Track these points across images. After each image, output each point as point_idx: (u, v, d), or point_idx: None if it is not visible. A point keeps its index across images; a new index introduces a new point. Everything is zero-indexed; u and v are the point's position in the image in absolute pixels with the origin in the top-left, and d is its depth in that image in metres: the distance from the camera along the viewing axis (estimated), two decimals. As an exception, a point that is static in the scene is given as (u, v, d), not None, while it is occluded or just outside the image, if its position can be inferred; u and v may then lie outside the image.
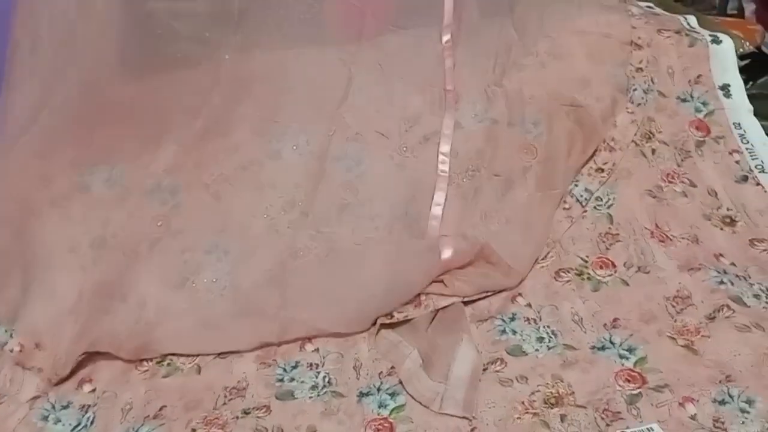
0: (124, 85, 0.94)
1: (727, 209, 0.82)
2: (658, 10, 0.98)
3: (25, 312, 0.76)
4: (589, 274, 0.78)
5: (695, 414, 0.60)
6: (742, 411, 0.59)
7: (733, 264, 0.76)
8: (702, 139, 0.87)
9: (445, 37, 0.87)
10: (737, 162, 0.85)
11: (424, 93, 0.89)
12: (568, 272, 0.78)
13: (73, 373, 0.73)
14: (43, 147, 0.88)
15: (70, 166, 0.85)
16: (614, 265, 0.78)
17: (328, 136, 0.85)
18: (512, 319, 0.73)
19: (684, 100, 0.88)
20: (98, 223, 0.81)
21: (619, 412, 0.61)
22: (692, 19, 0.94)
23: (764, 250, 0.78)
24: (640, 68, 0.88)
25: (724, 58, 0.88)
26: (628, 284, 0.76)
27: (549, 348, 0.69)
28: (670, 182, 0.84)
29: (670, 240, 0.80)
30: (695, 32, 0.90)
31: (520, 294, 0.76)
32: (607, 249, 0.80)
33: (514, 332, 0.72)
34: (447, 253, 0.76)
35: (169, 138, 0.87)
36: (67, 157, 0.86)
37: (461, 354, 0.68)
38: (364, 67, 0.94)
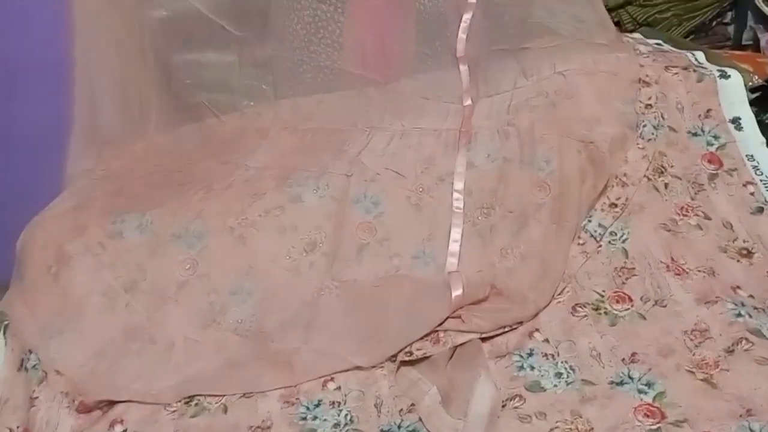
0: (154, 135, 1.00)
1: (744, 241, 0.82)
2: (666, 47, 1.00)
3: (57, 357, 0.79)
4: (606, 308, 0.78)
5: (717, 450, 0.60)
6: (765, 446, 0.59)
7: (751, 296, 0.76)
8: (715, 172, 0.87)
9: (466, 102, 0.90)
10: (752, 194, 0.86)
11: (439, 135, 0.93)
12: (585, 307, 0.79)
13: (104, 413, 0.76)
14: (78, 198, 0.94)
15: (103, 215, 0.90)
16: (631, 300, 0.79)
17: (347, 177, 0.89)
18: (530, 354, 0.74)
19: (695, 134, 0.89)
20: (130, 267, 0.85)
21: (639, 448, 0.61)
22: (700, 55, 0.96)
23: (784, 281, 0.78)
24: (650, 104, 0.90)
25: (732, 92, 0.90)
26: (645, 318, 0.76)
27: (567, 384, 0.70)
28: (684, 215, 0.85)
29: (686, 273, 0.80)
30: (703, 68, 0.92)
31: (537, 330, 0.77)
32: (623, 283, 0.80)
33: (532, 368, 0.72)
34: (461, 290, 0.78)
35: (197, 185, 0.91)
36: (99, 206, 0.91)
37: (480, 390, 0.69)
38: (382, 111, 0.99)
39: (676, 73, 0.91)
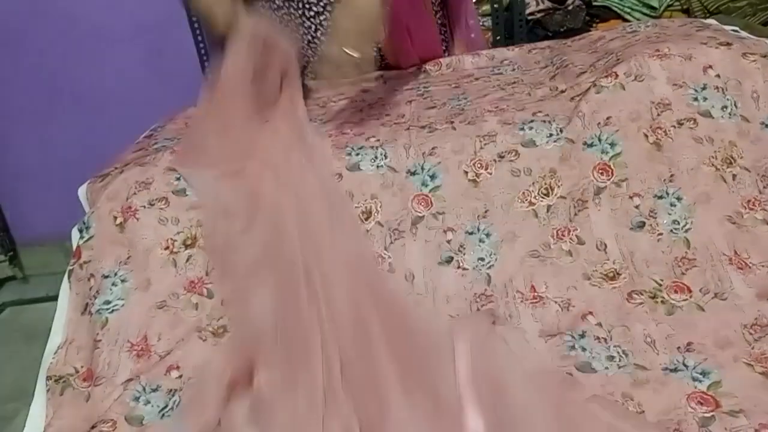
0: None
1: (812, 238, 0.80)
2: (743, 33, 0.97)
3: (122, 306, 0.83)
4: (663, 297, 0.77)
5: (773, 442, 0.59)
6: (825, 443, 0.58)
7: (818, 294, 0.74)
8: (787, 166, 0.84)
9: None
10: (826, 191, 0.82)
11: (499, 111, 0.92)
12: (642, 294, 0.78)
13: (162, 359, 0.80)
14: (145, 152, 0.98)
15: (168, 170, 0.93)
16: (690, 290, 0.77)
17: (405, 149, 0.89)
18: (582, 336, 0.74)
19: (768, 126, 0.86)
20: (192, 224, 0.88)
21: (691, 435, 0.61)
22: (780, 44, 0.92)
23: None
24: (723, 92, 0.87)
25: (814, 83, 0.86)
26: (703, 310, 0.75)
27: (619, 367, 0.69)
28: (750, 209, 0.83)
29: (749, 268, 0.78)
30: (783, 56, 0.89)
31: (590, 312, 0.77)
32: (683, 274, 0.79)
33: (584, 349, 0.72)
34: None
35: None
36: (165, 162, 0.94)
37: None
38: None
39: (753, 61, 0.87)
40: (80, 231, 0.91)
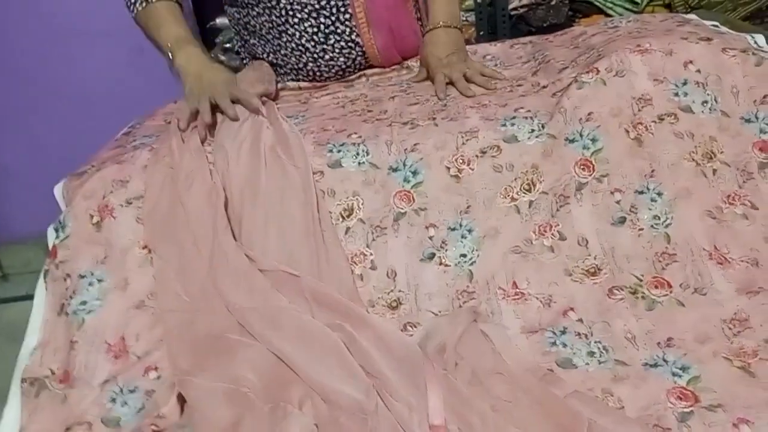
0: None
1: (791, 234, 0.80)
2: (723, 29, 0.97)
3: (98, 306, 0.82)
4: (643, 293, 0.77)
5: (751, 437, 0.59)
6: (802, 436, 0.58)
7: (796, 289, 0.74)
8: (765, 160, 0.85)
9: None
10: (803, 186, 0.83)
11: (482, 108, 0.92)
12: (622, 290, 0.78)
13: (140, 359, 0.79)
14: (122, 150, 0.96)
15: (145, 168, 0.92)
16: (670, 286, 0.77)
17: (388, 145, 0.88)
18: (563, 332, 0.74)
19: (748, 121, 0.86)
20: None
21: (669, 429, 0.61)
22: (760, 38, 0.92)
23: (830, 276, 0.75)
24: (704, 87, 0.87)
25: (792, 78, 0.86)
26: (683, 305, 0.75)
27: (600, 362, 0.69)
28: (730, 204, 0.83)
29: (729, 263, 0.78)
30: (763, 51, 0.89)
31: (572, 308, 0.77)
32: (663, 269, 0.79)
33: (565, 345, 0.72)
34: None
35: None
36: (142, 160, 0.93)
37: None
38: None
39: (733, 56, 0.87)
40: (56, 230, 0.89)
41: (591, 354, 0.71)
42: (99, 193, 0.89)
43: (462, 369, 0.68)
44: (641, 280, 0.78)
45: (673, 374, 0.66)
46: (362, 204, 0.87)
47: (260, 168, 0.88)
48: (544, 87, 0.95)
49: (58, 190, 0.93)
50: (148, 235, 0.86)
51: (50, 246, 0.89)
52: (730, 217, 0.82)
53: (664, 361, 0.68)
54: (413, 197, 0.86)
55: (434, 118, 0.92)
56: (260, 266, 0.80)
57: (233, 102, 0.96)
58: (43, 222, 0.92)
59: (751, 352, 0.67)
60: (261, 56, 1.14)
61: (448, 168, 0.87)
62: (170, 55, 1.03)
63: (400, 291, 0.82)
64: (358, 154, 0.89)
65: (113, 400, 0.74)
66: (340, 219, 0.86)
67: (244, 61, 1.17)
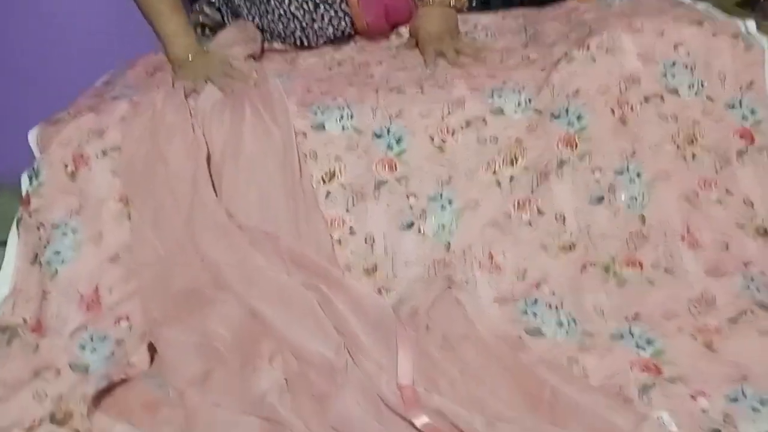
0: None
1: (762, 220, 0.82)
2: (716, 12, 0.97)
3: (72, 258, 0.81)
4: (615, 270, 0.79)
5: (707, 408, 0.61)
6: (754, 410, 0.60)
7: (762, 273, 0.76)
8: (745, 148, 0.86)
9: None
10: (779, 175, 0.85)
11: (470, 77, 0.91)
12: (595, 266, 0.79)
13: (111, 310, 0.78)
14: (99, 100, 0.94)
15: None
16: (641, 265, 0.79)
17: (373, 110, 0.88)
18: (534, 303, 0.75)
19: (732, 107, 0.87)
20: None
21: (630, 398, 0.63)
22: (751, 24, 0.92)
23: (796, 263, 0.78)
24: (692, 70, 0.87)
25: (780, 65, 0.87)
26: (653, 284, 0.77)
27: (568, 333, 0.71)
28: (706, 189, 0.84)
29: (700, 246, 0.80)
30: (752, 37, 0.89)
31: (545, 281, 0.78)
32: (636, 248, 0.80)
33: (535, 315, 0.74)
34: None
35: None
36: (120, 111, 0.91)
37: None
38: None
39: (723, 41, 0.88)
40: (30, 178, 0.88)
41: (560, 324, 0.72)
42: (74, 142, 0.87)
43: (433, 333, 0.69)
44: (614, 258, 0.80)
45: (638, 347, 0.68)
46: (344, 169, 0.86)
47: (243, 125, 0.86)
48: (533, 61, 0.94)
49: (32, 136, 0.91)
50: (125, 187, 0.85)
51: (23, 193, 0.87)
52: (705, 202, 0.83)
53: (630, 333, 0.70)
54: (396, 165, 0.86)
55: (421, 86, 0.91)
56: (239, 223, 0.80)
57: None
58: (17, 168, 0.89)
59: (714, 330, 0.69)
60: (246, 18, 1.11)
61: (432, 138, 0.87)
62: (165, 46, 1.02)
63: (377, 257, 0.82)
64: (342, 117, 0.88)
65: (83, 348, 0.74)
66: (321, 183, 0.86)
67: (225, 18, 1.14)
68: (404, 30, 1.14)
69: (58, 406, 0.67)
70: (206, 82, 0.94)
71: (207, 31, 1.14)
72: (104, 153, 0.86)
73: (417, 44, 1.05)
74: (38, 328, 0.79)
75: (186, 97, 0.91)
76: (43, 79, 1.60)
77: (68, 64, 1.59)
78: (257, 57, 1.06)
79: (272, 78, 0.94)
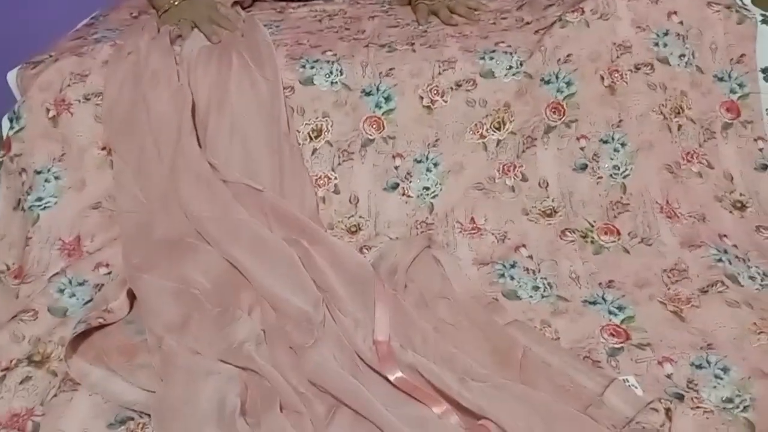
0: None
1: (740, 194, 0.83)
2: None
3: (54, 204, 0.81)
4: (593, 238, 0.80)
5: (671, 373, 0.63)
6: (716, 377, 0.62)
7: (735, 246, 0.78)
8: (730, 121, 0.86)
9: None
10: (761, 149, 0.85)
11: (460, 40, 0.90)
12: (574, 233, 0.80)
13: (90, 255, 0.78)
14: (82, 43, 0.92)
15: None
16: (619, 233, 0.80)
17: (362, 67, 0.86)
18: (512, 266, 0.76)
19: (721, 79, 0.87)
20: None
21: (598, 362, 0.64)
22: (746, -4, 0.91)
23: (769, 238, 0.79)
24: (684, 40, 0.87)
25: (772, 40, 0.86)
26: (629, 252, 0.78)
27: (543, 297, 0.72)
28: (688, 161, 0.85)
29: (678, 217, 0.81)
30: (746, 9, 0.88)
31: (523, 245, 0.79)
32: (615, 217, 0.81)
33: (512, 278, 0.75)
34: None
35: None
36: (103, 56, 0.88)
37: None
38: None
39: (717, 11, 0.87)
40: (11, 120, 0.86)
41: (536, 288, 0.74)
42: (56, 86, 0.85)
43: (411, 291, 0.70)
44: (593, 226, 0.81)
45: (610, 312, 0.70)
46: (331, 126, 0.85)
47: (229, 76, 0.85)
48: (527, 23, 0.93)
49: (11, 78, 0.89)
50: (108, 134, 0.83)
51: (4, 137, 0.86)
52: (685, 174, 0.84)
53: (603, 299, 0.72)
54: (383, 124, 0.86)
55: (413, 44, 0.90)
56: (223, 176, 0.79)
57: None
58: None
59: (684, 299, 0.71)
60: None
61: (422, 98, 0.86)
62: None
63: (360, 217, 0.83)
64: (331, 72, 0.87)
65: (61, 291, 0.75)
66: (308, 140, 0.85)
67: None
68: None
69: (35, 347, 0.68)
70: (192, 27, 0.91)
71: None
72: (86, 98, 0.85)
73: (410, 1, 1.03)
74: (20, 274, 0.79)
75: (171, 43, 0.89)
76: (24, 21, 1.54)
77: (50, 5, 1.53)
78: (246, 5, 1.03)
79: (261, 27, 0.92)
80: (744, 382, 0.61)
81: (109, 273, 0.76)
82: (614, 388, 0.60)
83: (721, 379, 0.62)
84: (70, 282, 0.75)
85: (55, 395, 0.63)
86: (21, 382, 0.65)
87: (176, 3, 0.95)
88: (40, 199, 0.81)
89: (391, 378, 0.61)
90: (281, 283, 0.69)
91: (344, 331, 0.64)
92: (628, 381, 0.61)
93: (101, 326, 0.69)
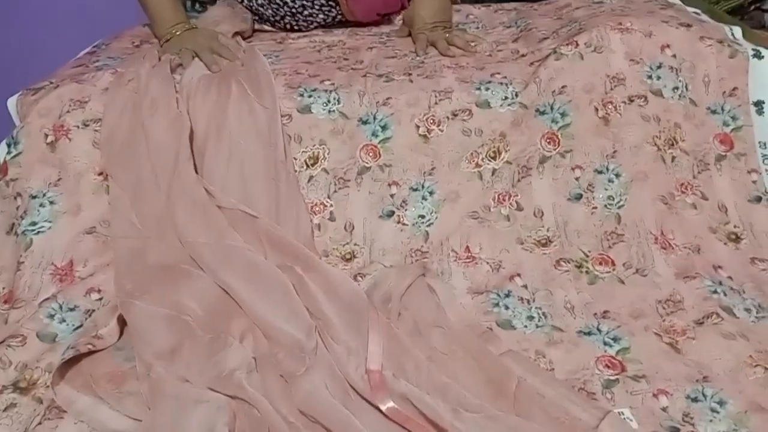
0: None
1: (735, 226, 0.83)
2: (704, 17, 0.98)
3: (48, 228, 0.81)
4: (588, 268, 0.80)
5: (667, 406, 0.62)
6: (713, 410, 0.61)
7: (730, 278, 0.78)
8: (724, 153, 0.87)
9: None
10: (754, 182, 0.86)
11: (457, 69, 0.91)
12: (569, 263, 0.80)
13: (82, 280, 0.78)
14: (83, 71, 0.93)
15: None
16: (614, 264, 0.80)
17: (360, 96, 0.87)
18: (507, 295, 0.76)
19: (714, 112, 0.88)
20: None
21: (594, 394, 0.64)
22: (737, 30, 0.93)
23: (764, 269, 0.79)
24: (677, 72, 0.88)
25: (763, 73, 0.87)
26: (623, 283, 0.78)
27: (537, 327, 0.72)
28: (683, 192, 0.85)
29: (672, 248, 0.81)
30: (738, 44, 0.90)
31: (518, 274, 0.79)
32: (610, 247, 0.81)
33: (507, 307, 0.74)
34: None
35: None
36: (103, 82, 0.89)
37: None
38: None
39: (709, 45, 0.88)
40: (8, 146, 0.86)
41: (530, 318, 0.73)
42: (55, 112, 0.86)
43: (405, 319, 0.69)
44: (588, 256, 0.81)
45: (605, 343, 0.69)
46: (328, 154, 0.86)
47: (228, 103, 0.86)
48: (523, 55, 0.95)
49: (11, 104, 0.90)
50: (105, 160, 0.84)
51: (1, 161, 0.86)
52: (680, 205, 0.84)
53: (598, 330, 0.71)
54: (379, 152, 0.86)
55: (410, 74, 0.91)
56: (219, 203, 0.80)
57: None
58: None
59: (680, 331, 0.71)
60: (237, 0, 1.10)
61: (418, 126, 0.87)
62: (152, 20, 1.02)
63: (355, 245, 0.83)
64: (329, 101, 0.88)
65: (51, 317, 0.74)
66: (305, 167, 0.86)
67: None
68: (396, 17, 1.14)
69: (22, 374, 0.67)
70: (193, 57, 0.93)
71: (197, 6, 1.13)
72: (85, 124, 0.86)
73: (410, 32, 1.05)
74: (10, 299, 0.78)
75: (172, 71, 0.91)
76: (28, 50, 1.57)
77: (54, 35, 1.55)
78: (246, 36, 1.05)
79: (261, 57, 0.94)
80: (741, 416, 0.61)
81: (101, 299, 0.76)
82: (609, 420, 0.59)
83: (718, 412, 0.61)
84: (61, 307, 0.75)
85: (40, 423, 0.62)
86: (5, 410, 0.64)
87: (178, 33, 0.97)
88: (33, 223, 0.81)
89: (383, 408, 0.60)
90: (274, 310, 0.68)
91: (336, 359, 0.64)
92: (623, 414, 0.61)
93: (90, 352, 0.68)
